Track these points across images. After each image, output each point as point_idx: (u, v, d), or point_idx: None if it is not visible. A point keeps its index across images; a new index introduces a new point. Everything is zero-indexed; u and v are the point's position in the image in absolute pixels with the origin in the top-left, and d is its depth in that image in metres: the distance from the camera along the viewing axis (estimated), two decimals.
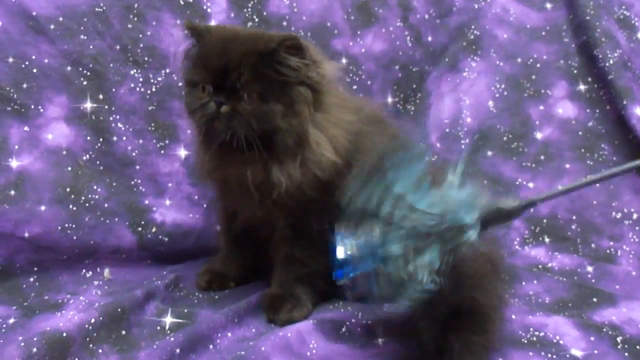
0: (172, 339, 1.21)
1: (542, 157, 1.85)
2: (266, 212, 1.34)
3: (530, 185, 1.84)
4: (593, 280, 1.61)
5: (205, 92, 1.25)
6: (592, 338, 1.29)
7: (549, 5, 1.92)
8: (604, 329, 1.31)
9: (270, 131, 1.22)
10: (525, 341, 1.27)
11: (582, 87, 1.89)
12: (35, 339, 1.16)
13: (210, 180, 1.40)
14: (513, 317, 1.34)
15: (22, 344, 1.15)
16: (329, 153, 1.28)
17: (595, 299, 1.47)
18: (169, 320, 1.34)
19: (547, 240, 1.79)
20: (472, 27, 1.91)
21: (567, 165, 1.85)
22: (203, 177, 1.43)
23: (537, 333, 1.30)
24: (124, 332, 1.29)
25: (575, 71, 1.89)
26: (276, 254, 1.40)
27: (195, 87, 1.27)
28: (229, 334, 1.28)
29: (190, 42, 1.30)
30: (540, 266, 1.69)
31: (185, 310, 1.38)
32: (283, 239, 1.37)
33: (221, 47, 1.23)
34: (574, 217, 1.81)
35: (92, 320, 1.25)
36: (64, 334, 1.20)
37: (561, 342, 1.27)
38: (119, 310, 1.31)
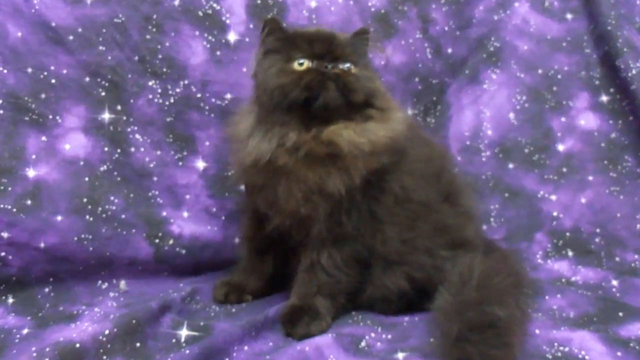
0: (188, 352, 1.18)
1: (565, 170, 1.84)
2: (310, 206, 1.32)
3: (553, 197, 1.81)
4: (618, 295, 1.56)
5: (305, 66, 1.33)
6: (618, 353, 1.25)
7: (569, 16, 1.91)
8: (631, 344, 1.27)
9: (372, 93, 1.35)
10: (550, 356, 1.23)
11: (604, 98, 1.87)
12: (47, 349, 1.14)
13: (251, 179, 1.39)
14: (537, 331, 1.31)
15: (35, 354, 1.13)
16: (402, 123, 1.38)
17: (621, 314, 1.42)
18: (184, 333, 1.32)
19: (570, 253, 1.76)
20: (492, 38, 1.90)
21: (590, 178, 1.83)
22: (245, 174, 1.41)
23: (562, 348, 1.26)
24: (138, 345, 1.26)
25: (597, 82, 1.88)
26: (301, 261, 1.38)
27: (287, 63, 1.34)
28: (246, 348, 1.26)
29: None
30: (563, 280, 1.65)
31: (202, 323, 1.35)
32: (312, 245, 1.36)
33: (320, 30, 1.42)
34: (597, 230, 1.78)
35: (107, 332, 1.24)
36: (77, 345, 1.18)
37: (587, 357, 1.23)
38: (134, 322, 1.29)
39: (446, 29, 1.85)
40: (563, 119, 1.86)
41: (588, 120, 1.86)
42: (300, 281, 1.38)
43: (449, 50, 1.87)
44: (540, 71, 1.89)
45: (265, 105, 1.33)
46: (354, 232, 1.34)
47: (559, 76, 1.88)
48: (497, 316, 1.18)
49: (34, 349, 1.16)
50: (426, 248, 1.40)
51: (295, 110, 1.30)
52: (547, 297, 1.52)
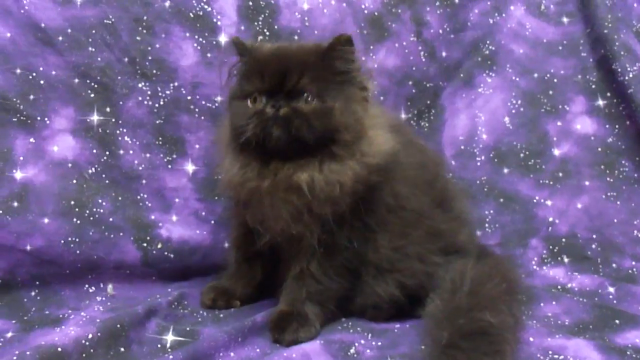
0: (172, 357, 1.16)
1: (560, 174, 1.81)
2: (300, 226, 1.29)
3: (548, 203, 1.79)
4: (615, 302, 1.54)
5: (257, 102, 1.26)
6: None
7: (565, 20, 1.89)
8: (628, 352, 1.24)
9: (330, 129, 1.24)
10: None
11: (600, 102, 1.85)
12: (28, 352, 1.12)
13: (239, 195, 1.35)
14: (531, 339, 1.28)
15: (15, 357, 1.11)
16: (384, 145, 1.31)
17: (617, 321, 1.39)
18: (170, 338, 1.29)
19: (566, 260, 1.74)
20: (487, 42, 1.88)
21: (586, 183, 1.81)
22: (233, 190, 1.36)
23: (556, 356, 1.23)
24: (122, 349, 1.24)
25: (593, 86, 1.86)
26: (290, 269, 1.36)
27: (244, 99, 1.28)
28: (232, 354, 1.23)
29: (235, 60, 1.34)
30: (559, 287, 1.63)
31: (188, 328, 1.33)
32: (302, 253, 1.33)
33: (278, 55, 1.28)
34: (594, 236, 1.76)
35: (90, 336, 1.21)
36: (59, 349, 1.16)
37: None
38: (118, 326, 1.27)
39: (440, 32, 1.83)
40: (559, 123, 1.84)
41: (584, 125, 1.84)
42: (290, 288, 1.36)
43: (444, 54, 1.85)
44: (535, 75, 1.87)
45: (231, 137, 1.32)
46: (346, 244, 1.32)
47: (555, 80, 1.86)
48: (489, 323, 1.16)
49: (16, 352, 1.13)
50: (418, 255, 1.37)
51: (252, 147, 1.26)
52: (541, 304, 1.50)
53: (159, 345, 1.27)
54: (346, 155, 1.26)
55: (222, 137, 1.38)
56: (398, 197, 1.35)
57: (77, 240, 1.53)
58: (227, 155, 1.34)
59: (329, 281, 1.33)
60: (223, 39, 1.65)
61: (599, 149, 1.82)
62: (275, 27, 1.68)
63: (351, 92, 1.28)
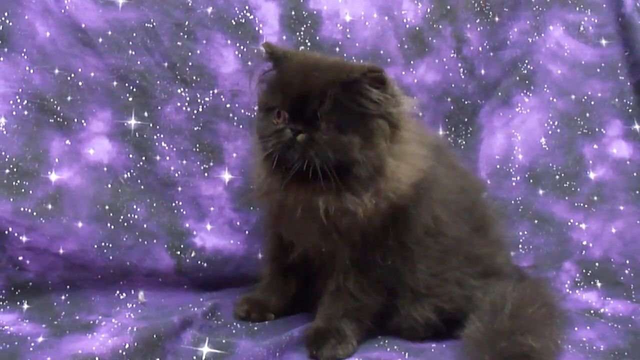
0: None
1: (595, 198, 1.80)
2: (330, 243, 1.28)
3: (583, 226, 1.78)
4: None
5: (281, 118, 1.22)
6: None
7: (604, 42, 1.87)
8: None
9: (346, 162, 1.19)
10: None
11: (637, 126, 1.84)
12: None
13: (271, 205, 1.35)
14: None
15: None
16: (405, 182, 1.25)
17: None
18: (205, 350, 1.28)
19: (599, 284, 1.72)
20: (526, 61, 1.87)
21: (621, 207, 1.80)
22: (262, 200, 1.38)
23: None
24: None
25: (630, 110, 1.85)
26: (326, 285, 1.34)
27: (270, 111, 1.24)
28: None
29: (266, 66, 1.30)
30: (592, 311, 1.61)
31: (224, 341, 1.32)
32: (338, 270, 1.31)
33: (303, 74, 1.21)
34: (627, 262, 1.75)
35: (126, 346, 1.21)
36: (96, 358, 1.15)
37: None
38: (155, 336, 1.26)
39: (480, 49, 1.82)
40: (595, 146, 1.83)
41: (620, 149, 1.83)
42: (326, 304, 1.34)
43: (482, 72, 1.83)
44: (573, 97, 1.85)
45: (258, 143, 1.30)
46: (380, 262, 1.30)
47: (592, 102, 1.85)
48: (531, 347, 1.16)
49: (49, 359, 1.13)
50: (456, 279, 1.37)
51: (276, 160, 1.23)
52: (576, 329, 1.49)
53: (195, 358, 1.27)
54: (361, 189, 1.21)
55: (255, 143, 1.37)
56: (437, 220, 1.33)
57: (111, 245, 1.52)
58: (257, 161, 1.33)
59: (365, 298, 1.32)
60: None
61: (635, 174, 1.81)
62: (317, 38, 1.66)
63: (375, 125, 1.21)
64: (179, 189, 1.61)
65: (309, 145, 1.18)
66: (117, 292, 1.55)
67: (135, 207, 1.56)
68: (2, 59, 1.50)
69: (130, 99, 1.58)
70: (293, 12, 1.66)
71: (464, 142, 1.84)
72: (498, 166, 1.83)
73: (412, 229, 1.31)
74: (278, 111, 1.22)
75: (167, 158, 1.60)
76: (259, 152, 1.30)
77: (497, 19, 1.82)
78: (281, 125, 1.21)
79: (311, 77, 1.20)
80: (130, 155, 1.58)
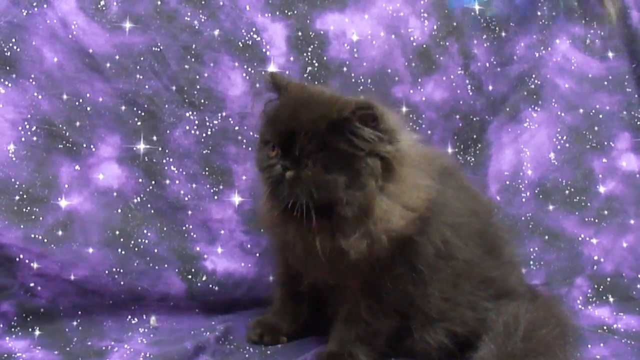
0: None
1: (606, 212, 1.80)
2: (336, 276, 1.28)
3: (594, 241, 1.77)
4: None
5: (275, 152, 1.22)
6: None
7: (610, 54, 1.87)
8: None
9: (330, 201, 1.17)
10: None
11: None
12: None
13: (274, 237, 1.35)
14: None
15: None
16: (397, 222, 1.21)
17: None
18: None
19: (611, 299, 1.71)
20: (533, 76, 1.86)
21: (632, 221, 1.79)
22: (267, 229, 1.38)
23: None
24: None
25: (638, 122, 1.84)
26: (338, 310, 1.34)
27: (266, 144, 1.24)
28: None
29: (269, 96, 1.29)
30: (605, 327, 1.60)
31: None
32: (348, 297, 1.31)
33: (292, 110, 1.21)
34: (639, 276, 1.74)
35: None
36: None
37: None
38: None
39: (487, 65, 1.81)
40: (604, 160, 1.82)
41: (629, 162, 1.82)
42: (338, 328, 1.34)
43: (490, 87, 1.83)
44: (581, 110, 1.85)
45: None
46: (391, 287, 1.28)
47: (600, 116, 1.84)
48: None
49: None
50: (469, 303, 1.35)
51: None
52: (589, 346, 1.47)
53: None
54: (349, 230, 1.20)
55: None
56: (448, 244, 1.31)
57: (122, 271, 1.52)
58: (263, 192, 1.31)
59: (377, 323, 1.31)
60: (272, 69, 1.63)
61: None
62: (324, 58, 1.67)
63: (363, 164, 1.18)
64: (189, 212, 1.61)
65: (295, 182, 1.17)
66: (129, 317, 1.55)
67: (145, 231, 1.56)
68: (10, 85, 1.50)
69: (139, 123, 1.58)
70: (300, 33, 1.66)
71: (472, 159, 1.83)
72: (507, 182, 1.82)
73: (421, 254, 1.29)
74: (272, 145, 1.22)
75: (177, 182, 1.60)
76: (260, 184, 1.31)
77: (503, 34, 1.82)
78: (274, 160, 1.21)
79: (300, 114, 1.19)
80: (140, 180, 1.58)
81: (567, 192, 1.81)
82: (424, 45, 1.74)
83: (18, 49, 1.50)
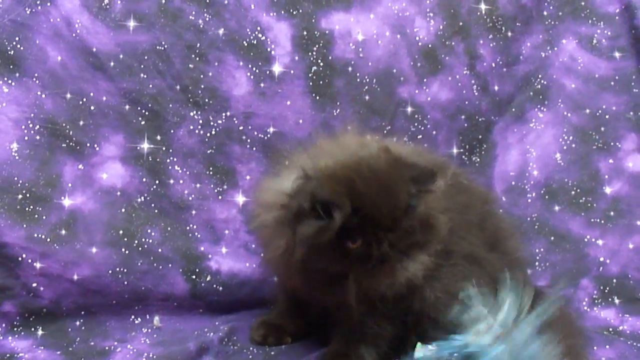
0: None
1: (612, 213, 1.78)
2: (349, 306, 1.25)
3: (600, 242, 1.75)
4: None
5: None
6: None
7: (617, 54, 1.85)
8: None
9: None
10: None
11: None
12: None
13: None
14: None
15: None
16: (445, 224, 1.23)
17: None
18: None
19: (617, 301, 1.70)
20: (539, 76, 1.84)
21: (638, 222, 1.77)
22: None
23: None
24: None
25: None
26: (341, 314, 1.32)
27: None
28: None
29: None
30: (610, 329, 1.59)
31: None
32: (351, 305, 1.28)
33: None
34: None
35: None
36: None
37: None
38: None
39: (493, 65, 1.80)
40: (610, 161, 1.80)
41: (636, 163, 1.80)
42: (342, 332, 1.33)
43: (496, 88, 1.82)
44: (587, 111, 1.83)
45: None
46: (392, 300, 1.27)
47: (607, 116, 1.83)
48: None
49: None
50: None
51: None
52: (595, 348, 1.47)
53: None
54: (418, 252, 1.20)
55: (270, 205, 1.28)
56: (443, 244, 1.29)
57: (125, 270, 1.51)
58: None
59: (380, 329, 1.30)
60: (277, 68, 1.63)
61: None
62: (330, 57, 1.65)
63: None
64: (193, 212, 1.60)
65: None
66: (132, 317, 1.54)
67: (149, 231, 1.55)
68: (13, 84, 1.49)
69: (143, 122, 1.57)
70: (305, 32, 1.64)
71: (478, 160, 1.82)
72: (513, 183, 1.81)
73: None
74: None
75: (181, 181, 1.60)
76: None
77: (509, 33, 1.81)
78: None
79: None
80: (144, 179, 1.57)
81: (573, 192, 1.79)
82: (430, 45, 1.73)
83: (22, 48, 1.49)
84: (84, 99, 1.54)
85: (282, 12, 1.64)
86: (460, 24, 1.76)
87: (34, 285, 1.46)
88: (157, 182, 1.58)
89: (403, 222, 1.15)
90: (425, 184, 1.17)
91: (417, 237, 1.17)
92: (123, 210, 1.55)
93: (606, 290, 1.72)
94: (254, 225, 1.35)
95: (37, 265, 1.45)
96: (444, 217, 1.24)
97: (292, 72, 1.64)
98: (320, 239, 1.10)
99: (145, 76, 1.57)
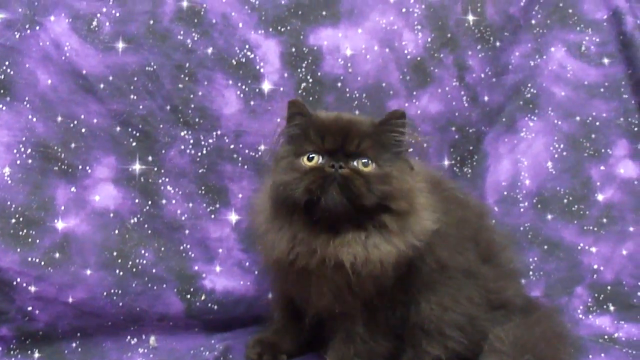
0: None
1: (605, 220, 1.78)
2: (344, 304, 1.27)
3: (593, 250, 1.76)
4: None
5: (314, 162, 1.22)
6: None
7: (606, 61, 1.85)
8: None
9: (388, 194, 1.20)
10: None
11: None
12: None
13: (292, 272, 1.27)
14: None
15: None
16: (430, 226, 1.26)
17: None
18: None
19: (612, 308, 1.71)
20: (529, 85, 1.84)
21: (631, 229, 1.77)
22: (282, 269, 1.31)
23: None
24: None
25: (636, 129, 1.82)
26: (337, 328, 1.33)
27: (298, 157, 1.23)
28: None
29: (285, 122, 1.30)
30: (606, 337, 1.60)
31: None
32: (347, 318, 1.30)
33: (338, 119, 1.26)
34: (639, 284, 1.72)
35: None
36: None
37: None
38: None
39: (482, 76, 1.80)
40: (602, 168, 1.81)
41: (627, 169, 1.80)
42: (337, 347, 1.33)
43: (486, 98, 1.82)
44: (577, 118, 1.83)
45: (274, 200, 1.25)
46: (388, 312, 1.31)
47: (597, 123, 1.83)
48: None
49: None
50: (466, 315, 1.33)
51: (300, 211, 1.21)
52: (590, 356, 1.46)
53: None
54: (396, 228, 1.21)
55: (261, 208, 1.32)
56: (440, 259, 1.32)
57: (120, 292, 1.51)
58: (271, 227, 1.27)
59: (375, 343, 1.31)
60: (266, 86, 1.63)
61: None
62: (319, 74, 1.66)
63: (402, 164, 1.25)
64: (187, 232, 1.61)
65: (354, 177, 1.18)
66: (128, 337, 1.54)
67: (143, 252, 1.55)
68: (4, 108, 1.50)
69: (134, 143, 1.58)
70: (294, 49, 1.65)
71: (470, 171, 1.83)
72: (505, 193, 1.81)
73: (416, 276, 1.30)
74: (309, 156, 1.22)
75: (173, 201, 1.60)
76: (275, 212, 1.26)
77: (498, 43, 1.81)
78: (318, 163, 1.21)
79: (348, 121, 1.25)
80: (136, 200, 1.58)
81: (565, 201, 1.80)
82: (418, 58, 1.73)
83: (12, 72, 1.50)
84: (75, 122, 1.55)
85: (270, 29, 1.65)
86: (449, 35, 1.76)
87: (30, 308, 1.46)
88: (149, 202, 1.59)
89: (366, 151, 1.22)
90: (393, 121, 1.26)
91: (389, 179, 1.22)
92: (116, 231, 1.55)
93: (601, 298, 1.73)
94: (251, 229, 1.44)
95: (32, 288, 1.45)
96: (428, 212, 1.28)
97: (281, 89, 1.64)
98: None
99: (135, 97, 1.57)
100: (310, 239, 1.21)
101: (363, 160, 1.21)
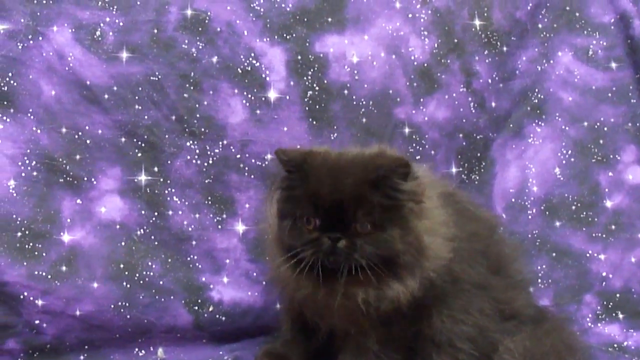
0: None
1: (613, 227, 1.77)
2: (357, 326, 1.26)
3: (602, 257, 1.75)
4: None
5: (311, 225, 1.18)
6: None
7: (614, 65, 1.84)
8: None
9: (391, 256, 1.16)
10: None
11: None
12: None
13: (298, 297, 1.27)
14: None
15: None
16: (445, 255, 1.23)
17: None
18: None
19: (621, 316, 1.70)
20: (536, 90, 1.83)
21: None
22: (288, 293, 1.32)
23: None
24: None
25: None
26: (348, 341, 1.32)
27: (296, 220, 1.20)
28: None
29: (283, 173, 1.24)
30: (615, 345, 1.59)
31: None
32: (360, 332, 1.29)
33: (330, 182, 1.17)
34: None
35: None
36: None
37: None
38: None
39: (490, 81, 1.79)
40: (610, 174, 1.80)
41: (636, 175, 1.79)
42: (348, 357, 1.31)
43: (493, 104, 1.81)
44: (585, 124, 1.82)
45: (280, 248, 1.24)
46: (403, 319, 1.27)
47: (605, 128, 1.82)
48: None
49: None
50: (477, 328, 1.32)
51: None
52: None
53: None
54: (407, 274, 1.19)
55: (269, 232, 1.31)
56: (452, 272, 1.30)
57: (127, 304, 1.50)
58: (277, 254, 1.26)
59: (386, 357, 1.29)
60: (272, 95, 1.61)
61: None
62: (325, 81, 1.64)
63: (407, 210, 1.19)
64: (194, 243, 1.59)
65: (352, 249, 1.14)
66: (136, 349, 1.54)
67: (150, 264, 1.54)
68: (8, 120, 1.48)
69: (140, 154, 1.56)
70: (299, 57, 1.63)
71: (477, 178, 1.82)
72: (513, 200, 1.80)
73: (429, 288, 1.26)
74: (307, 218, 1.18)
75: (180, 212, 1.59)
76: (281, 251, 1.24)
77: (505, 48, 1.80)
78: (315, 234, 1.17)
79: (339, 184, 1.16)
80: (143, 212, 1.56)
81: (573, 207, 1.79)
82: (425, 64, 1.72)
83: (15, 84, 1.49)
84: (80, 133, 1.53)
85: (276, 37, 1.63)
86: (455, 41, 1.75)
87: (37, 322, 1.46)
88: (156, 214, 1.57)
89: (364, 218, 1.15)
90: (394, 174, 1.16)
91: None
92: (123, 243, 1.54)
93: (610, 306, 1.72)
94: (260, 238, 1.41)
95: (39, 302, 1.44)
96: (440, 240, 1.24)
97: (287, 97, 1.62)
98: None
99: (140, 107, 1.56)
100: (314, 284, 1.19)
101: (361, 225, 1.16)
